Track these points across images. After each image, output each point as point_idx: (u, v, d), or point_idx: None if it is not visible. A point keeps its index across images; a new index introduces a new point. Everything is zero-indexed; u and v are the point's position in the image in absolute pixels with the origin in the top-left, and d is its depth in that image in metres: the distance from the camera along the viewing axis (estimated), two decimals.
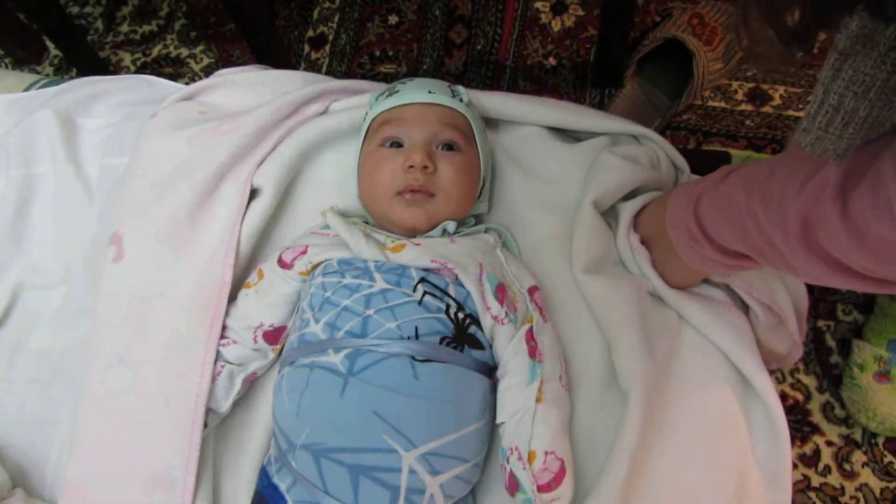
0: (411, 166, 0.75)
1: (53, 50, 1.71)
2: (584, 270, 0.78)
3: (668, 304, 0.80)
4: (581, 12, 1.53)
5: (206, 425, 0.75)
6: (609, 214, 0.84)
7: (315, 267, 0.76)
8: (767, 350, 0.84)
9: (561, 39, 1.51)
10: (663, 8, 1.50)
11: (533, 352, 0.70)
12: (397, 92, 0.82)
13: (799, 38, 0.35)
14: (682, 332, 0.80)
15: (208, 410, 0.75)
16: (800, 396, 1.23)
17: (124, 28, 1.71)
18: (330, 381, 0.67)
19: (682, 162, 0.87)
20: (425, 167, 0.75)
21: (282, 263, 0.78)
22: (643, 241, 0.81)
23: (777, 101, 1.40)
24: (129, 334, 0.78)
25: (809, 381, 1.24)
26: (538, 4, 1.55)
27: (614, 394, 0.75)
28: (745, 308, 0.82)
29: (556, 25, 1.52)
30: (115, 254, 0.81)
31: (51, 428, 0.84)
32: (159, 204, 0.83)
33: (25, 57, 1.69)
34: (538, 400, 0.68)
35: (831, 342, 1.25)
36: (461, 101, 0.83)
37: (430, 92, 0.81)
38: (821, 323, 1.27)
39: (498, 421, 0.70)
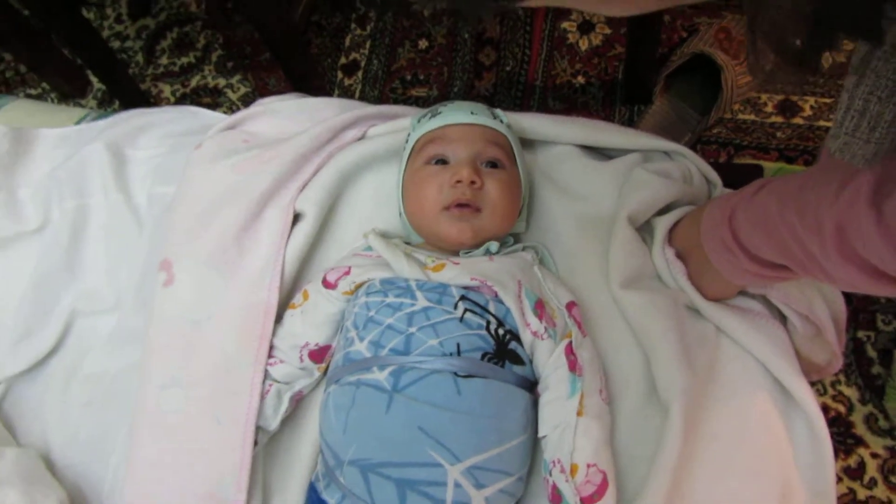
0: (459, 181, 0.77)
1: (97, 83, 1.77)
2: (621, 285, 0.79)
3: (705, 316, 0.81)
4: (608, 31, 1.55)
5: (255, 443, 0.76)
6: (644, 229, 0.85)
7: (358, 287, 0.78)
8: (807, 361, 0.84)
9: (589, 58, 1.53)
10: (690, 24, 1.51)
11: (573, 366, 0.71)
12: (440, 114, 0.84)
13: (804, 61, 0.36)
14: (721, 344, 0.80)
15: (258, 428, 0.77)
16: (842, 408, 1.22)
17: (164, 60, 1.76)
18: (375, 397, 0.69)
19: (714, 176, 0.88)
20: (472, 182, 0.77)
21: (326, 284, 0.80)
22: (678, 255, 0.81)
23: (808, 112, 1.40)
24: (181, 356, 0.80)
25: (851, 393, 1.23)
26: (565, 24, 1.57)
27: (654, 406, 0.76)
28: (783, 319, 0.82)
29: (584, 45, 1.54)
30: (165, 279, 0.84)
31: (106, 449, 0.85)
32: (207, 230, 0.85)
33: (70, 91, 1.75)
34: (579, 413, 0.69)
35: (872, 353, 1.25)
36: (501, 122, 0.85)
37: (472, 113, 0.83)
38: (861, 334, 1.26)
39: (540, 434, 0.71)
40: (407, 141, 0.87)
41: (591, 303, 0.81)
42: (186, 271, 0.84)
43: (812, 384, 1.14)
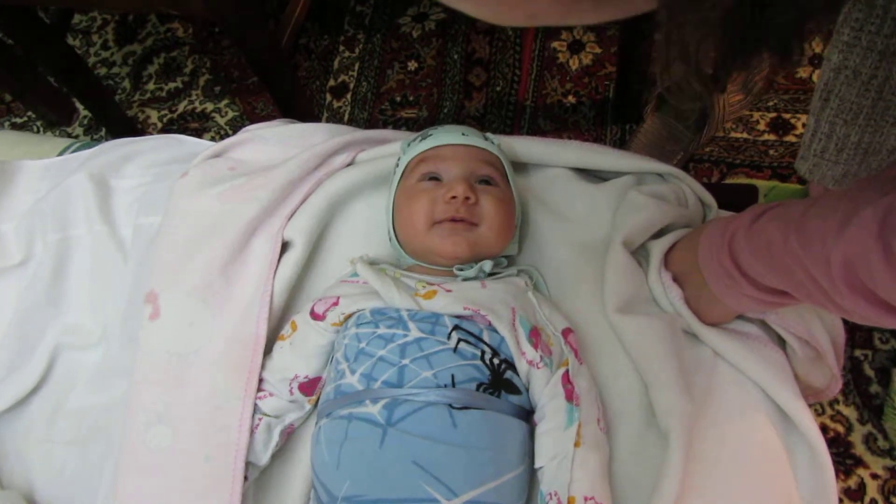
0: (454, 197, 0.76)
1: (83, 111, 1.76)
2: (617, 310, 0.78)
3: (703, 341, 0.79)
4: (598, 50, 1.55)
5: (245, 479, 0.75)
6: (639, 253, 0.84)
7: (348, 318, 0.76)
8: (805, 384, 0.83)
9: (579, 78, 1.53)
10: None
11: (570, 395, 0.70)
12: (431, 136, 0.83)
13: (714, 81, 0.36)
14: (719, 369, 0.79)
15: (248, 464, 0.75)
16: (840, 429, 1.21)
17: (150, 86, 1.76)
18: (369, 432, 0.67)
19: (709, 198, 0.87)
20: (467, 198, 0.76)
21: (314, 315, 0.78)
22: (675, 279, 0.80)
23: (800, 130, 1.40)
24: (168, 391, 0.78)
25: (850, 413, 1.22)
26: (555, 44, 1.58)
27: (653, 434, 0.75)
28: (782, 343, 0.81)
29: (574, 64, 1.55)
30: (151, 312, 0.82)
31: (92, 486, 0.83)
32: (193, 261, 0.84)
33: (56, 119, 1.75)
34: (577, 444, 0.67)
35: (870, 372, 1.24)
36: (493, 143, 0.84)
37: (463, 134, 0.82)
38: (858, 352, 1.25)
39: (536, 465, 0.69)
40: (398, 164, 0.86)
41: (587, 329, 0.80)
42: (172, 304, 0.82)
43: (810, 404, 1.13)
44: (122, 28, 1.86)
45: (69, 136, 1.71)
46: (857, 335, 1.26)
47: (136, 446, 0.77)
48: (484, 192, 0.79)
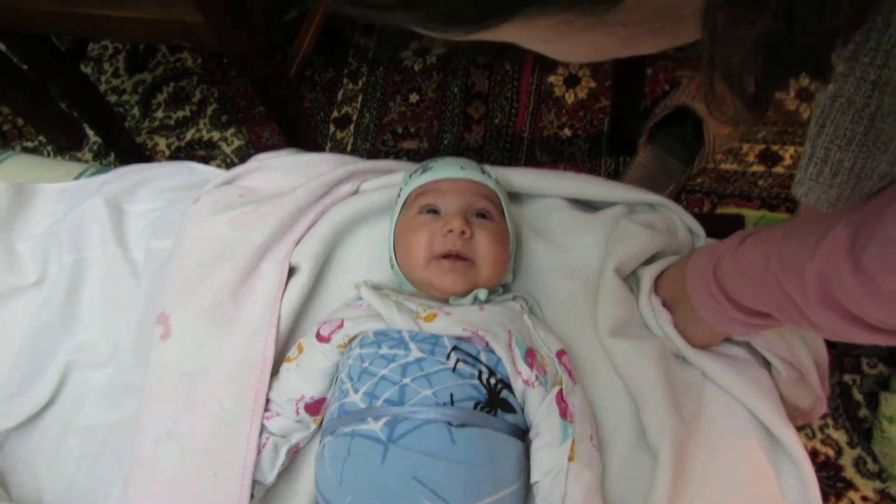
0: (450, 231, 0.80)
1: (93, 136, 1.80)
2: (609, 334, 0.81)
3: (691, 363, 0.82)
4: (593, 84, 1.59)
5: (252, 496, 0.76)
6: (630, 279, 0.87)
7: (352, 339, 0.79)
8: (792, 406, 0.86)
9: (575, 111, 1.57)
10: (672, 77, 1.56)
11: (564, 412, 0.72)
12: (431, 169, 0.87)
13: (756, 101, 0.40)
14: (707, 391, 0.82)
15: (254, 482, 0.77)
16: (831, 452, 1.23)
17: (159, 114, 1.79)
18: (371, 448, 0.69)
19: (697, 227, 0.91)
20: (463, 232, 0.80)
21: (320, 337, 0.81)
22: (665, 304, 0.84)
23: (788, 161, 1.44)
24: (177, 409, 0.81)
25: (840, 437, 1.24)
26: (552, 78, 1.62)
27: (644, 453, 0.77)
28: (767, 365, 0.84)
29: (570, 98, 1.59)
30: (162, 332, 0.85)
31: (101, 502, 0.85)
32: (203, 283, 0.87)
33: (67, 144, 1.78)
34: (571, 458, 0.70)
35: (858, 396, 1.26)
36: (490, 177, 0.88)
37: (461, 168, 0.86)
38: (847, 377, 1.28)
39: (532, 480, 0.72)
40: (399, 195, 0.89)
41: (581, 351, 0.83)
42: (183, 324, 0.85)
43: (800, 428, 1.16)
44: (133, 57, 1.90)
45: (79, 161, 1.75)
46: (845, 361, 1.29)
47: (146, 461, 0.79)
48: (479, 226, 0.82)
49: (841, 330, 0.60)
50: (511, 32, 0.35)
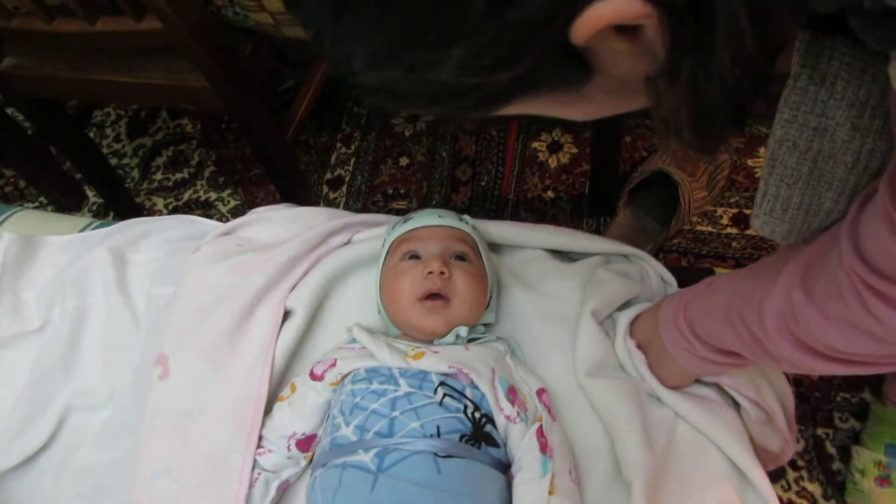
0: (430, 272, 0.85)
1: (92, 197, 1.84)
2: (587, 374, 0.85)
3: (664, 402, 0.86)
4: (575, 150, 1.66)
5: None
6: (606, 323, 0.92)
7: (344, 377, 0.83)
8: (761, 448, 0.89)
9: (558, 175, 1.64)
10: (649, 144, 1.64)
11: (544, 448, 0.76)
12: (411, 219, 0.93)
13: (699, 145, 0.48)
14: (679, 429, 0.85)
15: None
16: None
17: (158, 176, 1.85)
18: (361, 478, 0.72)
19: (668, 276, 0.96)
20: (442, 273, 0.85)
21: (313, 376, 0.84)
22: (639, 346, 0.88)
23: None
24: (174, 446, 0.83)
25: (814, 489, 1.27)
26: (535, 144, 1.69)
27: (619, 488, 0.80)
28: (736, 406, 0.88)
29: (553, 162, 1.66)
30: (161, 372, 0.88)
31: None
32: (202, 327, 0.90)
33: (67, 204, 1.82)
34: (551, 492, 0.72)
35: (831, 449, 1.30)
36: (467, 223, 0.94)
37: (439, 216, 0.93)
38: (820, 431, 1.31)
39: None
40: (384, 245, 0.95)
41: (560, 390, 0.86)
42: (181, 365, 0.88)
43: (775, 480, 1.19)
44: (134, 122, 1.97)
45: (87, 218, 1.79)
46: (818, 415, 1.32)
47: (143, 498, 0.81)
48: (458, 268, 0.87)
49: (798, 360, 0.64)
50: (514, 110, 0.45)
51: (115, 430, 0.93)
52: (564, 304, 0.93)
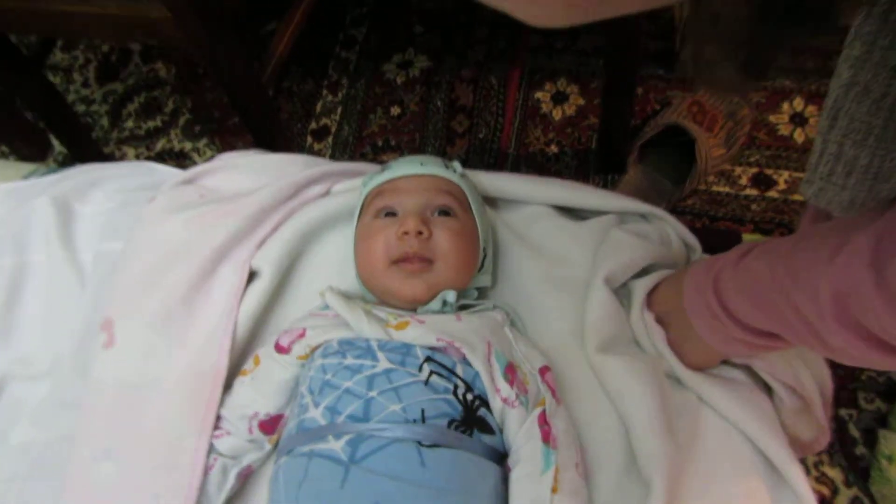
0: (405, 233, 0.74)
1: (58, 147, 1.74)
2: (597, 350, 0.75)
3: (686, 385, 0.76)
4: (581, 101, 1.56)
5: None
6: (621, 292, 0.81)
7: (314, 349, 0.73)
8: (792, 437, 0.79)
9: (562, 128, 1.54)
10: (662, 97, 1.53)
11: (546, 437, 0.66)
12: (389, 168, 0.82)
13: (752, 64, 0.34)
14: (703, 416, 0.76)
15: None
16: (826, 491, 1.17)
17: (129, 124, 1.75)
18: (330, 470, 0.63)
19: (693, 240, 0.85)
20: (420, 233, 0.74)
21: (279, 348, 0.75)
22: (658, 320, 0.78)
23: (782, 186, 1.41)
24: (118, 425, 0.75)
25: (835, 475, 1.18)
26: (539, 94, 1.59)
27: (634, 482, 0.71)
28: (768, 391, 0.78)
29: (557, 114, 1.56)
30: (105, 340, 0.79)
31: None
32: (153, 288, 0.81)
33: (30, 154, 1.72)
34: (554, 490, 0.63)
35: (855, 432, 1.20)
36: (454, 171, 0.83)
37: (421, 164, 0.81)
38: (843, 412, 1.22)
39: None
40: (360, 197, 0.84)
41: (565, 368, 0.76)
42: (128, 332, 0.79)
43: None
44: (104, 66, 1.86)
45: (35, 163, 1.69)
46: (841, 394, 1.23)
47: (80, 482, 0.73)
48: (440, 225, 0.76)
49: (860, 354, 0.55)
50: None
51: (56, 404, 0.84)
52: (573, 268, 0.83)
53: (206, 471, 0.71)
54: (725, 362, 0.79)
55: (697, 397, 0.76)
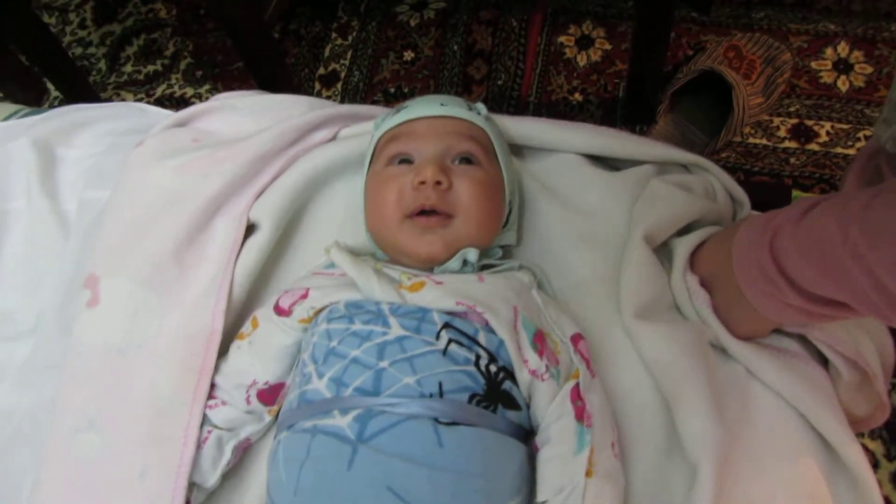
0: (422, 182, 0.67)
1: (53, 91, 1.70)
2: (635, 315, 0.69)
3: (733, 356, 0.70)
4: (608, 46, 1.50)
5: (188, 502, 0.65)
6: (661, 252, 0.75)
7: (318, 312, 0.67)
8: (846, 412, 0.73)
9: (587, 74, 1.48)
10: (696, 42, 1.45)
11: (580, 414, 0.60)
12: (405, 108, 0.75)
13: None
14: (752, 391, 0.69)
15: (192, 485, 0.66)
16: None
17: (128, 68, 1.71)
18: (335, 449, 0.57)
19: (741, 194, 0.78)
20: (438, 182, 0.67)
21: (278, 310, 0.69)
22: (703, 283, 0.71)
23: (824, 138, 1.33)
24: (102, 392, 0.69)
25: (876, 447, 1.14)
26: (562, 38, 1.53)
27: (676, 464, 0.65)
28: (824, 363, 0.72)
29: (582, 60, 1.50)
30: (89, 298, 0.73)
31: (11, 500, 0.73)
32: (141, 241, 0.75)
33: (25, 98, 1.67)
34: (588, 473, 0.58)
35: None
36: (479, 114, 0.75)
37: (441, 105, 0.74)
38: None
39: (539, 499, 0.59)
40: (371, 142, 0.78)
41: (600, 336, 0.70)
42: (114, 290, 0.73)
43: None
44: (101, 7, 1.80)
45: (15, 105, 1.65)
46: None
47: (60, 455, 0.68)
48: (461, 175, 0.69)
49: None
50: None
51: (39, 366, 0.80)
52: (608, 224, 0.76)
53: (200, 444, 0.67)
54: (777, 331, 0.72)
55: (746, 370, 0.70)
